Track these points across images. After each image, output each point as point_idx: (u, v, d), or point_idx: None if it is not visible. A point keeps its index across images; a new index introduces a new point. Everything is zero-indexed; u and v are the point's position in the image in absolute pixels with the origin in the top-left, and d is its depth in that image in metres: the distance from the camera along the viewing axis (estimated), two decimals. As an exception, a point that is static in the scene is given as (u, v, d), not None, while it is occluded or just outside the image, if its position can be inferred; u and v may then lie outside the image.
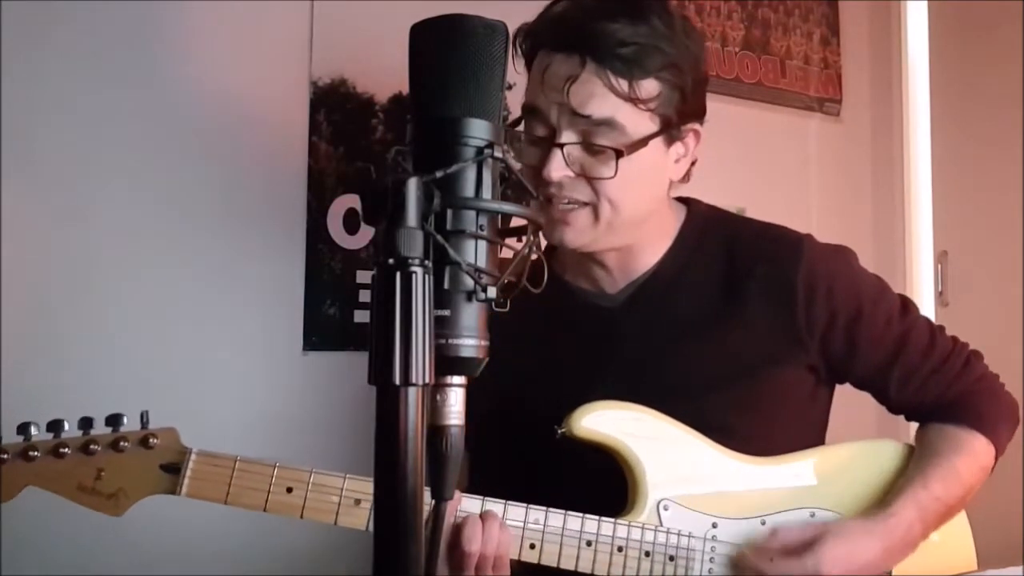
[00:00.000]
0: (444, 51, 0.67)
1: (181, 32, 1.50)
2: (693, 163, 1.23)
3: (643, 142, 1.12)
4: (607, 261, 1.24)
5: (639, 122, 1.12)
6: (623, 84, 1.09)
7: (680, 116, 1.15)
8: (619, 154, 1.10)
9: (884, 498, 1.20)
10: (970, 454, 1.22)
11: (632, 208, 1.16)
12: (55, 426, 0.97)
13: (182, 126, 1.50)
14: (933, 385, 1.25)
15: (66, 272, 1.42)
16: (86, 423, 0.98)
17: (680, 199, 1.31)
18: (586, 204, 1.14)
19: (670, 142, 1.17)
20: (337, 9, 1.62)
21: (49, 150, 1.41)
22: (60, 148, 1.42)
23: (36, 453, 0.96)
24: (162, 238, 1.48)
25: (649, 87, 1.11)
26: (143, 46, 1.47)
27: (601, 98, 1.10)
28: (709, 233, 1.27)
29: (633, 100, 1.10)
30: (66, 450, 0.97)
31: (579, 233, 1.15)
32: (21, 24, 1.37)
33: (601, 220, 1.14)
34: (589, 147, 1.11)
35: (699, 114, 1.20)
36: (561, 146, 1.10)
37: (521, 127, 1.19)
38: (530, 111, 1.16)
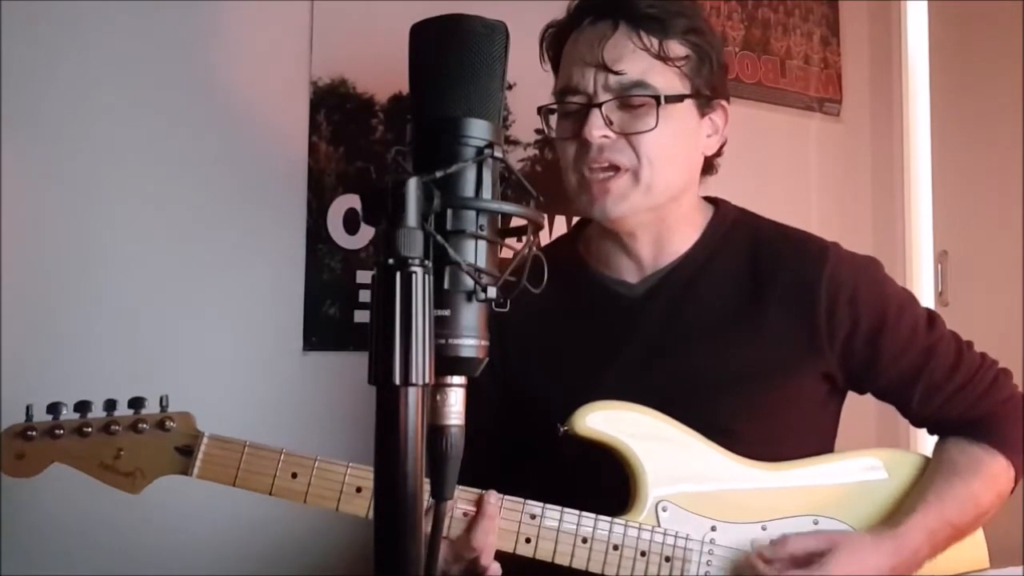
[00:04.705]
0: (444, 51, 0.67)
1: (181, 32, 1.50)
2: (722, 147, 1.26)
3: (679, 98, 1.16)
4: (636, 246, 1.24)
5: (670, 82, 1.16)
6: (654, 42, 1.14)
7: (709, 88, 1.19)
8: (658, 101, 1.13)
9: (897, 512, 1.19)
10: (990, 478, 1.20)
11: (669, 172, 1.18)
12: (82, 407, 1.04)
13: (182, 126, 1.50)
14: (958, 402, 1.23)
15: (66, 273, 1.42)
16: (110, 405, 1.05)
17: (708, 199, 1.32)
18: (627, 170, 1.15)
19: (702, 113, 1.21)
20: (337, 9, 1.62)
21: (47, 151, 1.41)
22: (58, 149, 1.41)
23: (62, 431, 1.03)
24: (161, 238, 1.48)
25: (677, 48, 1.16)
26: (143, 46, 1.47)
27: (634, 56, 1.14)
28: (735, 233, 1.28)
29: (663, 59, 1.15)
30: (89, 430, 1.04)
31: (619, 199, 1.16)
32: (21, 24, 1.37)
33: (641, 182, 1.16)
34: (626, 104, 1.14)
35: (725, 94, 1.25)
36: (599, 105, 1.13)
37: (554, 117, 1.21)
38: (564, 92, 1.19)
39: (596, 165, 1.15)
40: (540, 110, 1.21)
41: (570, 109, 1.18)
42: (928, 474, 1.22)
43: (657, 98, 1.13)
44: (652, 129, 1.13)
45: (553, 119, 1.22)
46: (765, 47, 2.15)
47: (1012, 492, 1.23)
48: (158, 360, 1.46)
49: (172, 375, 1.46)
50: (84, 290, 1.43)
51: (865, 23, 2.32)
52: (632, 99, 1.14)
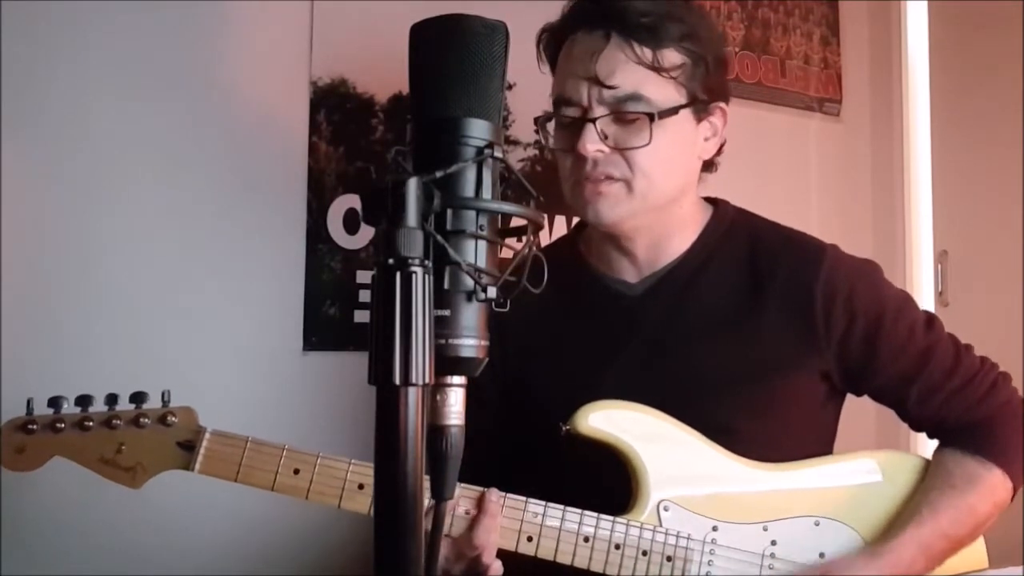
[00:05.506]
0: (444, 51, 0.67)
1: (181, 32, 1.50)
2: (722, 147, 1.25)
3: (674, 110, 1.14)
4: (634, 248, 1.24)
5: (665, 93, 1.14)
6: (647, 53, 1.12)
7: (706, 91, 1.18)
8: (651, 118, 1.12)
9: (892, 527, 1.19)
10: (987, 491, 1.19)
11: (665, 181, 1.17)
12: (83, 401, 1.04)
13: (182, 126, 1.50)
14: (956, 405, 1.22)
15: (66, 273, 1.41)
16: (112, 399, 1.05)
17: (708, 199, 1.32)
18: (620, 179, 1.15)
19: (699, 118, 1.19)
20: (337, 9, 1.62)
21: (47, 151, 1.41)
22: (58, 149, 1.41)
23: (63, 425, 1.03)
24: (161, 238, 1.48)
25: (672, 57, 1.14)
26: (143, 46, 1.47)
27: (627, 69, 1.13)
28: (733, 233, 1.28)
29: (657, 69, 1.13)
30: (90, 424, 1.04)
31: (613, 205, 1.16)
32: (22, 24, 1.37)
33: (635, 192, 1.15)
34: (621, 119, 1.13)
35: (724, 94, 1.23)
36: (594, 120, 1.13)
37: (551, 125, 1.21)
38: (559, 102, 1.18)
39: (591, 178, 1.15)
40: (536, 121, 1.20)
41: (565, 121, 1.18)
42: (924, 487, 1.22)
43: (651, 115, 1.12)
44: (646, 145, 1.12)
45: (551, 126, 1.21)
46: (765, 47, 2.15)
47: (1012, 500, 1.22)
48: (158, 360, 1.45)
49: (172, 375, 1.44)
50: (84, 290, 1.43)
51: (865, 23, 2.32)
52: (626, 114, 1.13)
